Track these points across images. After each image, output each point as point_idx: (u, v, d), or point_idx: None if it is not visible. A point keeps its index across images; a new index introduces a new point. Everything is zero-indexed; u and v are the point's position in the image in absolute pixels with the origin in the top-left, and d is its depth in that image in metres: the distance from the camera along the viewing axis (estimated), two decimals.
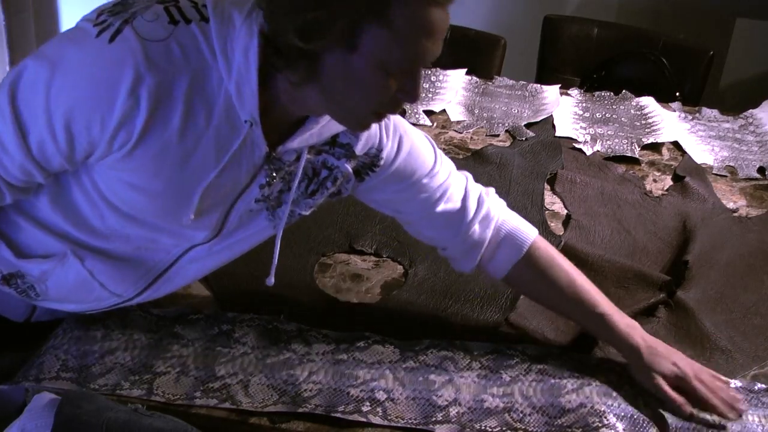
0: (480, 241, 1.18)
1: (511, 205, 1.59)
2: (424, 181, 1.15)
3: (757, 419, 1.12)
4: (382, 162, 1.11)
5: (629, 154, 1.81)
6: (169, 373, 1.12)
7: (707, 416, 1.09)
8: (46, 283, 1.11)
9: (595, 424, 1.07)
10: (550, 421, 1.08)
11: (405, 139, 1.13)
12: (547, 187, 1.68)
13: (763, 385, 1.18)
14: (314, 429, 1.07)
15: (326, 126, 1.02)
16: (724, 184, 1.75)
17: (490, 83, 2.12)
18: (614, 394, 1.13)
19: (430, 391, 1.13)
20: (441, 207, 1.16)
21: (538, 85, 2.13)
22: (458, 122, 1.92)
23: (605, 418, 1.08)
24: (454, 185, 1.18)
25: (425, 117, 1.91)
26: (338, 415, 1.07)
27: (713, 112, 2.05)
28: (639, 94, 2.10)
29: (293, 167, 1.04)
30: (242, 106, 0.94)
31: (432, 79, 2.08)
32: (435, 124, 1.90)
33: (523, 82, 2.14)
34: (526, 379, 1.15)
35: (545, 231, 1.52)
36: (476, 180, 1.67)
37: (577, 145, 1.85)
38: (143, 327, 1.20)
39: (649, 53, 2.40)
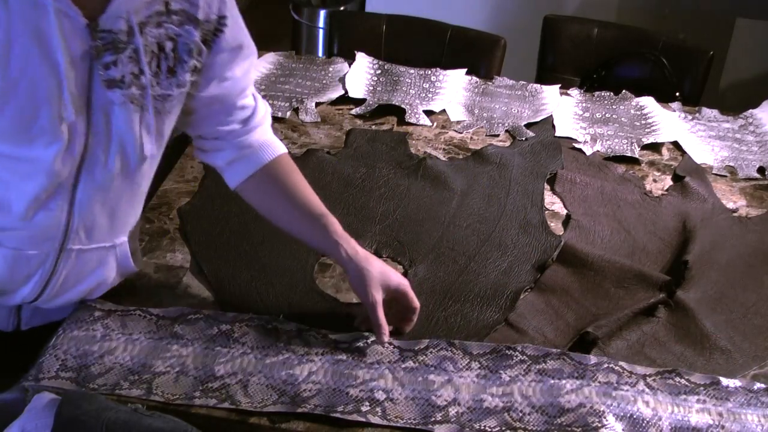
0: (252, 148, 1.24)
1: (511, 205, 1.60)
2: (249, 65, 1.20)
3: (756, 419, 1.12)
4: (226, 29, 1.13)
5: (629, 154, 1.81)
6: (169, 373, 1.12)
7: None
8: None
9: (595, 424, 1.08)
10: (549, 420, 1.09)
11: (239, 17, 1.17)
12: (547, 187, 1.68)
13: (763, 385, 1.18)
14: (314, 429, 1.07)
15: None
16: (724, 184, 1.75)
17: (490, 83, 2.12)
18: (614, 393, 1.13)
19: (429, 391, 1.13)
20: (244, 100, 1.22)
21: (538, 85, 2.12)
22: (458, 122, 1.92)
23: (604, 418, 1.08)
24: (251, 86, 1.23)
25: (425, 117, 1.91)
26: (337, 414, 1.07)
27: (713, 112, 2.05)
28: (639, 94, 2.10)
29: (132, 43, 1.02)
30: None
31: (432, 79, 2.08)
32: (435, 124, 1.90)
33: (523, 82, 2.14)
34: (526, 379, 1.16)
35: (545, 231, 1.52)
36: (476, 180, 1.68)
37: (577, 145, 1.85)
38: (143, 327, 1.20)
39: (649, 53, 2.40)
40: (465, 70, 2.16)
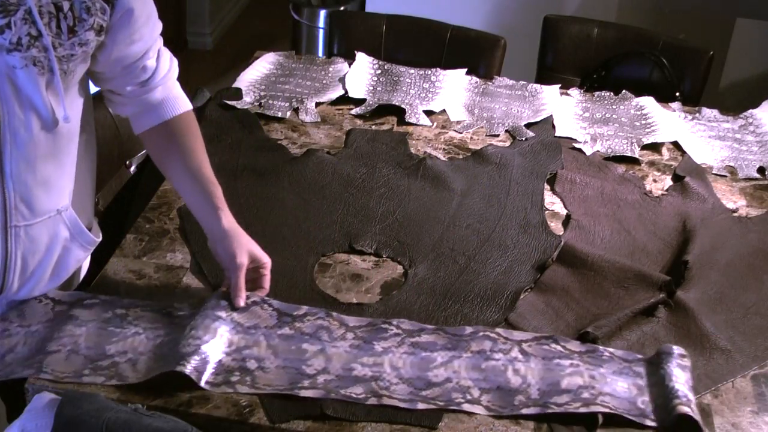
0: (153, 104, 1.26)
1: (511, 205, 1.60)
2: (154, 22, 1.20)
3: (626, 386, 1.15)
4: None
5: (629, 154, 1.81)
6: (60, 352, 1.14)
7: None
8: None
9: (458, 399, 1.11)
10: (415, 392, 1.12)
11: None
12: (547, 187, 1.68)
13: (640, 355, 1.21)
14: (314, 429, 1.07)
15: None
16: (724, 184, 1.75)
17: (490, 83, 2.12)
18: (483, 365, 1.16)
19: (301, 360, 1.16)
20: (153, 57, 1.23)
21: (538, 85, 2.12)
22: (458, 122, 1.92)
23: (468, 393, 1.12)
24: (159, 42, 1.24)
25: (425, 117, 1.91)
26: (206, 387, 1.10)
27: (713, 112, 2.05)
28: (639, 94, 2.10)
29: (23, 3, 1.01)
30: None
31: (432, 79, 2.08)
32: (435, 124, 1.90)
33: (523, 82, 2.14)
34: (398, 351, 1.18)
35: (545, 231, 1.52)
36: (476, 180, 1.68)
37: (577, 145, 1.85)
38: (41, 316, 1.21)
39: (649, 53, 2.40)
40: (465, 70, 2.16)
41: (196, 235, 1.44)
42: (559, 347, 1.21)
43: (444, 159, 1.76)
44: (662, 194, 1.68)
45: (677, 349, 1.20)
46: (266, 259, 1.27)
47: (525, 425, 1.10)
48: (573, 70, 2.51)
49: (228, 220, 1.27)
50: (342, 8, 3.56)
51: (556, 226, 1.55)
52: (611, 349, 1.22)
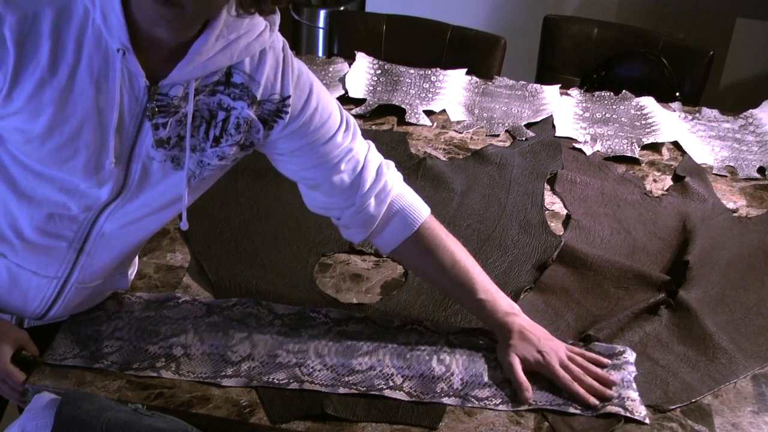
0: (374, 215, 1.18)
1: (511, 205, 1.60)
2: (330, 141, 1.15)
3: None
4: (289, 110, 1.11)
5: (629, 154, 1.81)
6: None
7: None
8: None
9: (380, 386, 1.12)
10: (337, 378, 1.13)
11: (313, 92, 1.13)
12: (547, 187, 1.68)
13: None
14: (314, 429, 1.07)
15: (211, 59, 1.01)
16: (724, 184, 1.75)
17: (490, 83, 2.12)
18: (408, 355, 1.18)
19: (226, 346, 1.18)
20: (341, 173, 1.16)
21: (538, 85, 2.12)
22: (458, 122, 1.92)
23: (391, 380, 1.14)
24: (357, 152, 1.18)
25: (425, 117, 1.91)
26: (131, 372, 1.12)
27: (713, 112, 2.05)
28: (639, 94, 2.10)
29: (184, 107, 1.03)
30: (111, 34, 0.95)
31: (432, 79, 2.08)
32: (435, 124, 1.90)
33: (523, 82, 2.14)
34: (324, 339, 1.20)
35: (545, 231, 1.52)
36: (476, 180, 1.67)
37: (577, 145, 1.85)
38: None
39: (649, 53, 2.40)
40: (465, 70, 2.16)
41: (196, 235, 1.44)
42: (487, 339, 1.22)
43: (444, 159, 1.76)
44: (662, 194, 1.68)
45: (615, 348, 1.21)
46: (552, 364, 1.14)
47: (525, 425, 1.10)
48: (573, 70, 2.51)
49: (500, 324, 1.18)
50: (342, 8, 3.56)
51: (556, 226, 1.55)
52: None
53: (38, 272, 1.13)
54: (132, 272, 1.30)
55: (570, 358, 1.16)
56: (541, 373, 1.15)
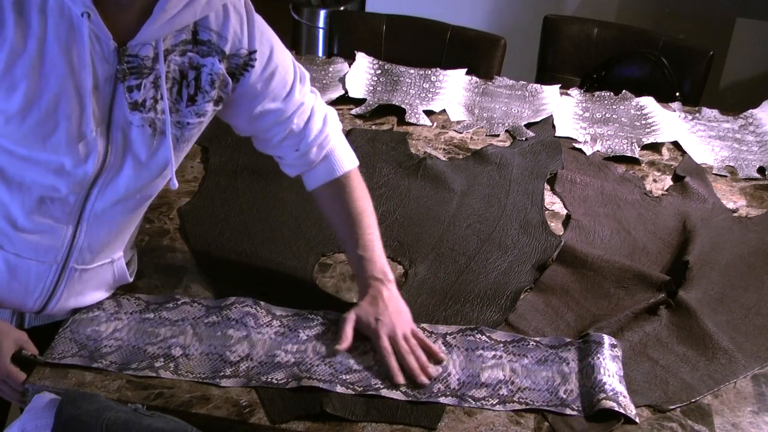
0: (313, 160, 1.28)
1: (511, 205, 1.60)
2: (288, 96, 1.21)
3: (550, 374, 1.17)
4: (255, 63, 1.14)
5: (629, 154, 1.81)
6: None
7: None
8: None
9: (377, 385, 1.13)
10: (335, 374, 1.14)
11: (275, 48, 1.18)
12: (547, 187, 1.68)
13: (567, 339, 1.23)
14: (314, 429, 1.07)
15: (176, 16, 1.02)
16: (724, 184, 1.75)
17: (490, 83, 2.12)
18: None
19: (225, 346, 1.18)
20: (293, 125, 1.23)
21: (538, 85, 2.12)
22: (458, 122, 1.92)
23: (388, 380, 1.14)
24: (307, 104, 1.25)
25: (425, 117, 1.91)
26: (130, 372, 1.12)
27: (713, 112, 2.05)
28: (639, 94, 2.10)
29: (155, 69, 1.05)
30: None
31: (432, 79, 2.08)
32: (435, 124, 1.90)
33: (523, 82, 2.14)
34: (322, 338, 1.21)
35: (545, 231, 1.52)
36: (476, 180, 1.67)
37: (577, 145, 1.85)
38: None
39: (649, 53, 2.40)
40: (465, 70, 2.16)
41: (196, 235, 1.44)
42: (484, 338, 1.23)
43: (444, 159, 1.76)
44: (662, 194, 1.68)
45: (608, 339, 1.21)
46: (396, 334, 1.19)
47: (525, 425, 1.10)
48: (573, 70, 2.51)
49: (366, 286, 1.24)
50: (342, 8, 3.56)
51: (556, 226, 1.55)
52: (538, 338, 1.24)
53: (37, 258, 1.13)
54: (133, 270, 1.30)
55: (405, 337, 1.18)
56: (370, 339, 1.19)
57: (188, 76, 1.09)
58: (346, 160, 1.30)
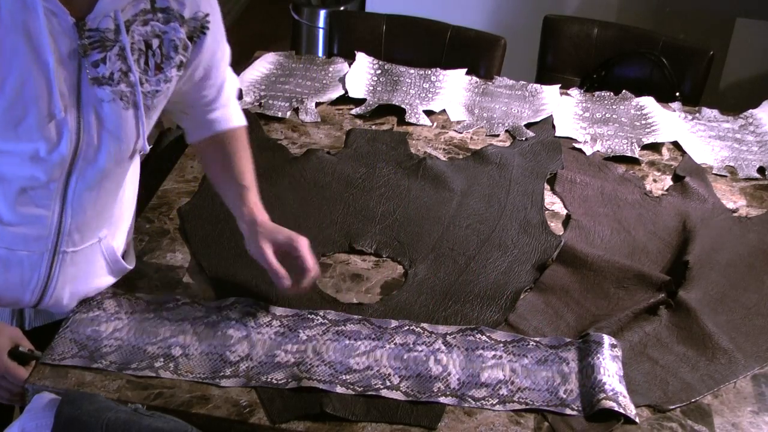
0: (209, 120, 1.30)
1: (511, 205, 1.60)
2: (221, 63, 1.25)
3: (550, 375, 1.18)
4: (210, 26, 1.16)
5: (629, 154, 1.81)
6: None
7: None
8: None
9: (377, 386, 1.13)
10: (335, 374, 1.14)
11: (218, 13, 1.20)
12: (547, 187, 1.68)
13: (568, 339, 1.23)
14: (314, 429, 1.07)
15: None
16: (724, 184, 1.75)
17: (490, 83, 2.12)
18: (405, 356, 1.19)
19: (225, 346, 1.18)
20: (209, 90, 1.26)
21: (538, 85, 2.12)
22: (458, 122, 1.92)
23: (388, 380, 1.14)
24: (224, 72, 1.28)
25: (425, 117, 1.91)
26: (130, 372, 1.12)
27: (713, 112, 2.05)
28: (639, 94, 2.10)
29: (119, 41, 1.05)
30: None
31: (432, 79, 2.08)
32: (435, 124, 1.90)
33: (523, 82, 2.14)
34: (322, 339, 1.21)
35: (545, 231, 1.52)
36: (476, 180, 1.67)
37: (577, 145, 1.85)
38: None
39: (649, 53, 2.40)
40: (465, 70, 2.16)
41: (196, 235, 1.44)
42: (484, 338, 1.23)
43: (444, 159, 1.76)
44: (662, 194, 1.68)
45: (608, 339, 1.21)
46: (294, 239, 1.25)
47: (525, 425, 1.10)
48: (573, 70, 2.51)
49: (246, 214, 1.28)
50: (342, 8, 3.56)
51: (556, 226, 1.55)
52: (538, 338, 1.24)
53: (27, 249, 1.13)
54: (132, 263, 1.31)
55: (301, 243, 1.24)
56: (291, 254, 1.23)
57: (152, 45, 1.09)
58: (233, 119, 1.33)
